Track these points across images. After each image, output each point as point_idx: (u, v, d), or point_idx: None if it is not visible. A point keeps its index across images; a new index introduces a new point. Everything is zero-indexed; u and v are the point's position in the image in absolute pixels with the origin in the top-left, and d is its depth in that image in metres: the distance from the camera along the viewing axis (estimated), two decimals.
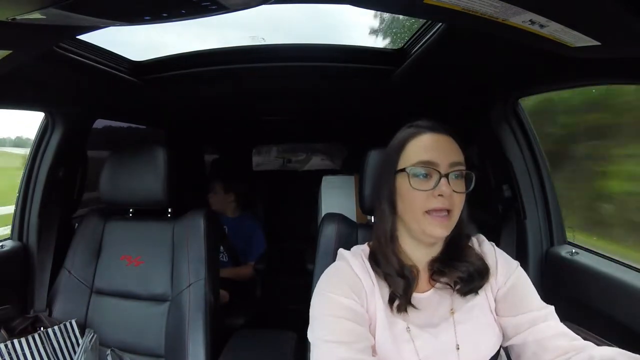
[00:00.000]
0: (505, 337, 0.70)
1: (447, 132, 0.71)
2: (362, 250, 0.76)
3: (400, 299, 0.67)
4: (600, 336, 0.86)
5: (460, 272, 0.70)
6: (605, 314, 0.88)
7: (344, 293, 0.67)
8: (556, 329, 0.66)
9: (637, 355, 0.57)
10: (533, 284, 0.73)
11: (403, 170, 0.69)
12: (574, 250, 1.04)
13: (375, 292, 0.69)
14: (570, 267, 1.01)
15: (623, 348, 0.60)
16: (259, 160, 3.40)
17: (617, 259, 0.95)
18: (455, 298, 0.70)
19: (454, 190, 0.66)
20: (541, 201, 1.16)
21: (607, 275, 0.90)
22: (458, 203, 0.68)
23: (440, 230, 0.67)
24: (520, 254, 1.14)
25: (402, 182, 0.69)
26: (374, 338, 0.66)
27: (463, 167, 0.69)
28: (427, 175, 0.67)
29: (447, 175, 0.66)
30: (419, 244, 0.72)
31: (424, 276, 0.73)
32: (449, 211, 0.66)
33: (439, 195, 0.66)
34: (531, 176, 1.16)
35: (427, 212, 0.66)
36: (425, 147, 0.69)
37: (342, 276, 0.71)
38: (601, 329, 0.88)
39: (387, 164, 0.73)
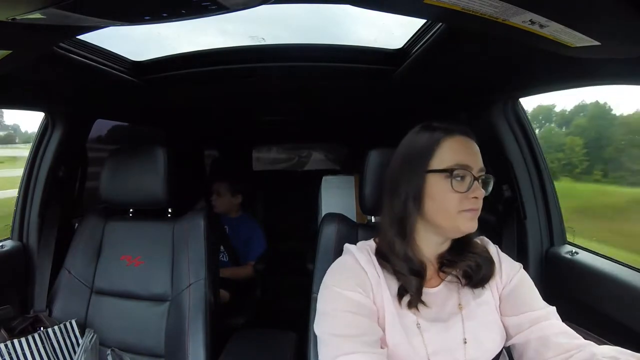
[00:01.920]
0: (507, 336, 0.71)
1: (473, 137, 0.73)
2: (368, 245, 0.76)
3: (412, 295, 0.68)
4: (600, 336, 0.86)
5: (470, 261, 0.71)
6: (605, 313, 0.88)
7: (350, 287, 0.68)
8: (558, 327, 0.67)
9: (639, 354, 0.57)
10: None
11: (439, 170, 0.69)
12: (574, 250, 1.05)
13: (382, 285, 0.69)
14: (570, 267, 1.02)
15: (623, 348, 0.60)
16: (274, 158, 3.40)
17: (617, 259, 0.95)
18: (463, 294, 0.71)
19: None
20: (541, 201, 1.16)
21: (607, 275, 0.90)
22: (481, 204, 0.70)
23: (472, 225, 0.69)
24: (520, 254, 1.14)
25: (435, 182, 0.69)
26: (384, 330, 0.66)
27: (485, 172, 0.71)
28: (462, 178, 0.68)
29: (478, 179, 0.69)
30: (436, 238, 0.73)
31: (433, 270, 0.74)
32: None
33: (474, 197, 0.68)
34: (531, 176, 1.17)
35: (461, 210, 0.68)
36: (460, 149, 0.70)
37: (348, 270, 0.71)
38: (601, 329, 0.88)
39: (412, 163, 0.72)
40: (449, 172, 0.68)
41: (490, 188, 0.72)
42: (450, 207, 0.68)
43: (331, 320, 0.66)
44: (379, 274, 0.70)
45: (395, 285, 0.69)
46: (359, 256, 0.72)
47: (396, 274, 0.70)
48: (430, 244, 0.74)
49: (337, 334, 0.64)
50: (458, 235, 0.72)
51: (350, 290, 0.67)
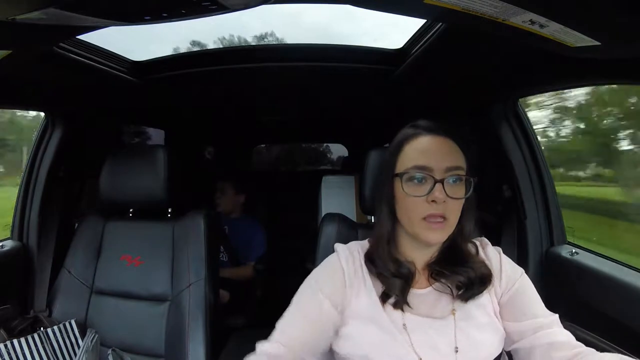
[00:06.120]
0: (509, 340, 0.69)
1: (446, 134, 0.68)
2: (360, 245, 0.75)
3: (397, 297, 0.66)
4: (600, 336, 0.86)
5: (462, 276, 0.68)
6: (605, 314, 0.88)
7: (323, 286, 0.69)
8: (560, 336, 0.65)
9: None
10: (533, 284, 0.72)
11: (396, 175, 0.68)
12: (574, 250, 1.04)
13: (367, 285, 0.69)
14: (570, 267, 1.01)
15: (623, 348, 0.60)
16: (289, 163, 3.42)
17: (617, 259, 0.95)
18: (457, 299, 0.69)
19: (450, 196, 0.64)
20: (541, 201, 1.15)
21: (607, 275, 0.90)
22: (454, 209, 0.66)
23: (434, 236, 0.65)
24: (520, 254, 1.14)
25: (398, 186, 0.68)
26: (363, 333, 0.66)
27: (461, 172, 0.66)
28: (422, 180, 0.66)
29: (442, 181, 0.64)
30: (418, 245, 0.71)
31: (422, 275, 0.72)
32: (444, 217, 0.65)
33: (433, 201, 0.64)
34: (531, 176, 1.16)
35: (424, 218, 0.65)
36: (421, 150, 0.67)
37: (328, 269, 0.72)
38: (601, 329, 0.87)
39: (385, 167, 0.72)
40: (400, 175, 0.67)
41: (471, 188, 0.67)
42: (412, 212, 0.66)
43: (292, 310, 0.69)
44: (364, 274, 0.70)
45: (381, 287, 0.68)
46: (342, 256, 0.72)
47: (379, 276, 0.69)
48: (413, 249, 0.71)
49: (286, 323, 0.67)
50: (425, 244, 0.69)
51: (320, 291, 0.68)
